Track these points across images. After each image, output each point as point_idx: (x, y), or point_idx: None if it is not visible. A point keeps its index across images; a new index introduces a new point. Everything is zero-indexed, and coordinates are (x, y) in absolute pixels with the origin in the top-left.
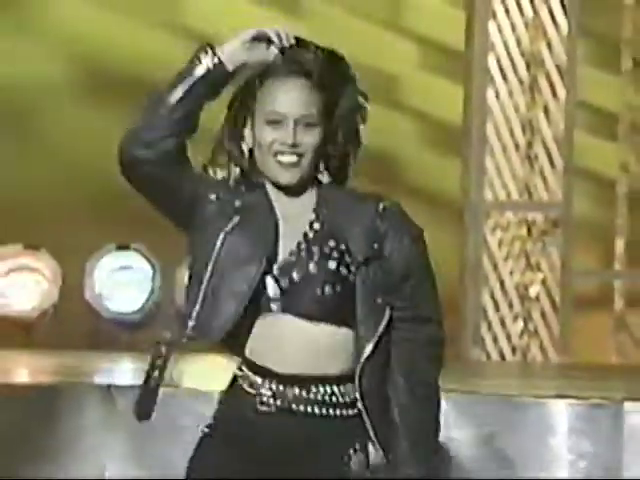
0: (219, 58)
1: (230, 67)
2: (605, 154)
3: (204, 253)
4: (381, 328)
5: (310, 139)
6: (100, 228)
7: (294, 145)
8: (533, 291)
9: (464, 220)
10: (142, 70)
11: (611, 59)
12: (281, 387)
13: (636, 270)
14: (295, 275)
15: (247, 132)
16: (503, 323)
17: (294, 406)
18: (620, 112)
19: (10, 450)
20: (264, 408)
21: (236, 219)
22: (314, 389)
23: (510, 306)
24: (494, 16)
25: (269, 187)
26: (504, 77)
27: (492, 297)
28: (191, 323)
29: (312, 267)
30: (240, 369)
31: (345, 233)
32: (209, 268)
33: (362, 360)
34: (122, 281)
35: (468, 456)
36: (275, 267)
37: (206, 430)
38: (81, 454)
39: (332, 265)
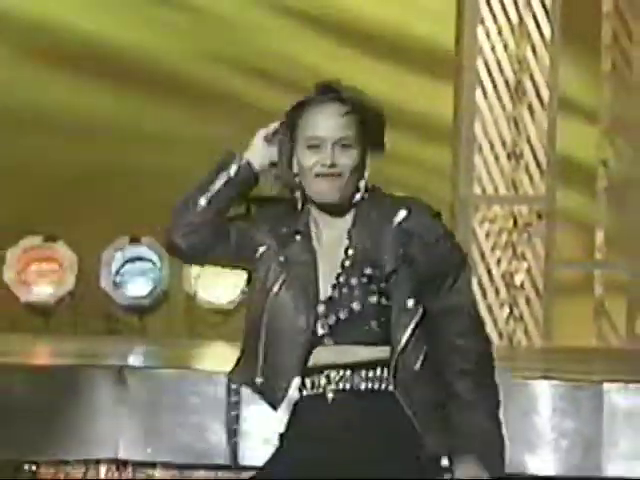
0: (247, 161)
1: (257, 167)
2: (586, 151)
3: (256, 310)
4: (413, 324)
5: (347, 160)
6: (114, 222)
7: (333, 165)
8: (518, 279)
9: (454, 213)
10: None
11: (591, 62)
12: (340, 373)
13: (615, 260)
14: (341, 315)
15: (294, 160)
16: (490, 309)
17: (362, 387)
18: (600, 112)
19: (30, 426)
20: (331, 395)
21: (281, 278)
22: (371, 371)
23: (497, 293)
24: (482, 22)
25: (314, 212)
26: (491, 79)
27: (480, 285)
28: (259, 380)
29: (355, 305)
30: (299, 391)
31: (376, 251)
32: (263, 330)
33: (397, 351)
34: (134, 270)
35: None
36: (321, 308)
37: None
38: (95, 431)
39: (374, 299)
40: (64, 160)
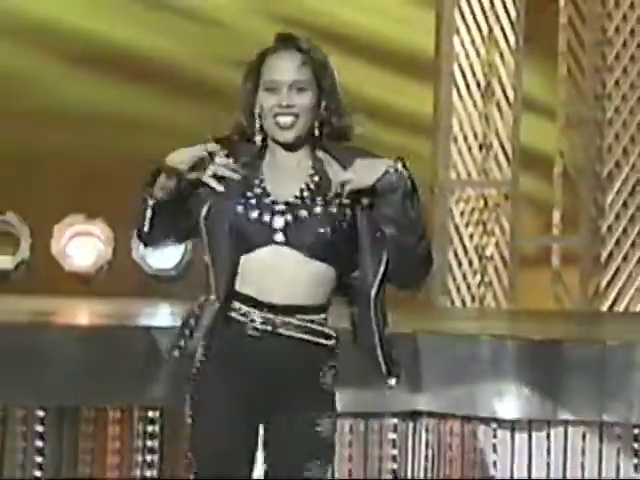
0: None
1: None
2: (546, 143)
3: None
4: (382, 268)
5: (302, 101)
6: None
7: (289, 106)
8: (488, 251)
9: (436, 189)
10: None
11: (550, 67)
12: (271, 315)
13: (569, 235)
14: (301, 213)
15: (257, 102)
16: (464, 277)
17: (281, 330)
18: (557, 110)
19: (72, 382)
20: (254, 333)
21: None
22: (298, 316)
23: (470, 263)
24: (457, 32)
25: (271, 145)
26: (465, 81)
27: (456, 256)
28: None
29: (318, 209)
30: (228, 303)
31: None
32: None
33: (374, 288)
34: None
35: (433, 382)
36: (280, 206)
37: (202, 358)
38: (128, 384)
39: (334, 209)
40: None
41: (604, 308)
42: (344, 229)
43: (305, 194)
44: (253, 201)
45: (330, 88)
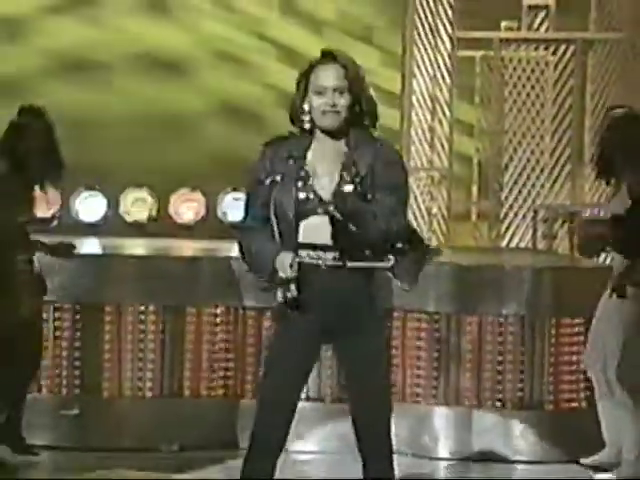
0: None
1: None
2: (468, 145)
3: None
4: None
5: (342, 101)
6: (222, 181)
7: (334, 105)
8: (434, 211)
9: None
10: None
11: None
12: (332, 253)
13: (482, 201)
14: (337, 189)
15: (307, 103)
16: (419, 227)
17: (348, 264)
18: (474, 125)
19: (179, 289)
20: (325, 268)
21: (278, 177)
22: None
23: (423, 218)
24: (414, 76)
25: (318, 134)
26: (422, 99)
27: (414, 216)
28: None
29: (347, 187)
30: (296, 252)
31: (361, 162)
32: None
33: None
34: (235, 204)
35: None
36: (320, 186)
37: (281, 300)
38: (215, 291)
39: (349, 188)
40: None
41: (503, 245)
42: (364, 197)
43: (340, 174)
44: (300, 184)
45: (362, 91)
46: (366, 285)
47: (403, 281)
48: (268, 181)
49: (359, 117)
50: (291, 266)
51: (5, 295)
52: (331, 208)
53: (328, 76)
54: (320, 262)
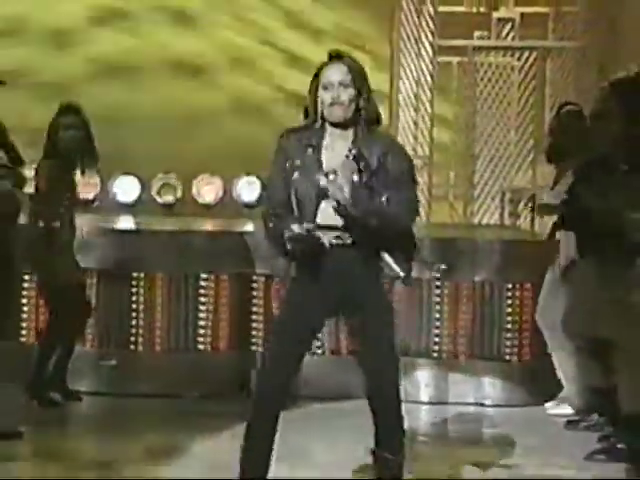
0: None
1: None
2: (447, 135)
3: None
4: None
5: (347, 95)
6: (237, 167)
7: (339, 97)
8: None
9: None
10: None
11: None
12: (339, 232)
13: (457, 185)
14: (351, 178)
15: (318, 98)
16: None
17: (349, 242)
18: (452, 121)
19: (195, 261)
20: (332, 245)
21: (298, 162)
22: (345, 232)
23: None
24: (401, 78)
25: (327, 128)
26: (407, 107)
27: None
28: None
29: (355, 177)
30: (311, 230)
31: (371, 156)
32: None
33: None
34: (248, 187)
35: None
36: (331, 174)
37: (298, 266)
38: (230, 260)
39: (356, 178)
40: None
41: (475, 222)
42: (367, 186)
43: (343, 164)
44: (319, 170)
45: (365, 88)
46: (371, 263)
47: (402, 268)
48: (288, 165)
49: (364, 112)
50: (307, 229)
51: (59, 263)
52: (335, 204)
53: (333, 72)
54: (335, 241)
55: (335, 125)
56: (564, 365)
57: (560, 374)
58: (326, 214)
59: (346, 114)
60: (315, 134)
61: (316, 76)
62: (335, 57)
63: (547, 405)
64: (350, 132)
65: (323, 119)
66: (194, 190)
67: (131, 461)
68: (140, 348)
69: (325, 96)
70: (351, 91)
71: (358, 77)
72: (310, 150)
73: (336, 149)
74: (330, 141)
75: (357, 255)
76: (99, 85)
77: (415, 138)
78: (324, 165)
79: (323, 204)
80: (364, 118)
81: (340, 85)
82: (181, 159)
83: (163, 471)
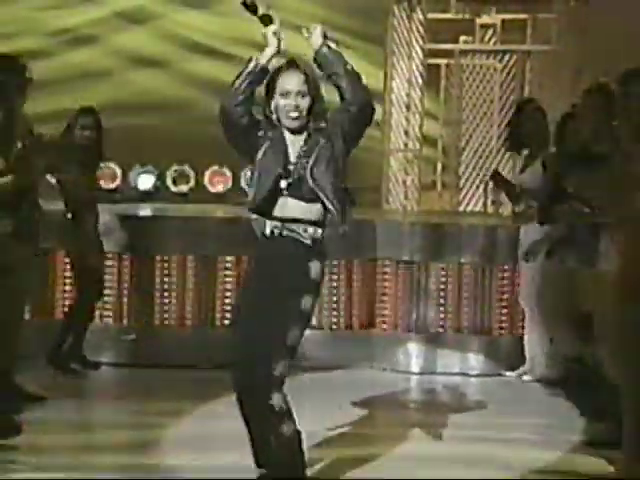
0: (258, 62)
1: (264, 63)
2: (434, 131)
3: (254, 162)
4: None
5: (304, 103)
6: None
7: (296, 106)
8: (408, 180)
9: (384, 154)
10: None
11: (437, 99)
12: (278, 223)
13: (445, 175)
14: (296, 175)
15: (273, 102)
16: (397, 194)
17: (285, 233)
18: (440, 117)
19: (213, 243)
20: (268, 235)
21: (267, 144)
22: (295, 226)
23: (399, 188)
24: (393, 78)
25: (284, 130)
26: (399, 106)
27: (393, 187)
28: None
29: (306, 173)
30: (273, 225)
31: (314, 148)
32: (257, 171)
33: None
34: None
35: (386, 244)
36: (290, 165)
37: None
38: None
39: (313, 172)
40: None
41: (461, 209)
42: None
43: (298, 159)
44: (281, 164)
45: (319, 95)
46: (301, 251)
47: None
48: (260, 134)
49: (317, 116)
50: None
51: (85, 246)
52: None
53: (291, 81)
54: (285, 233)
55: (290, 130)
56: (533, 342)
57: (527, 349)
58: (287, 207)
59: (302, 122)
60: (280, 132)
61: (273, 79)
62: (293, 63)
63: (508, 374)
64: (302, 136)
65: (278, 121)
66: (206, 180)
67: (144, 424)
68: (156, 323)
69: (282, 103)
70: (308, 99)
71: (314, 85)
72: (274, 145)
73: (291, 149)
74: (288, 142)
75: (293, 250)
76: (125, 77)
77: (406, 133)
78: (287, 162)
79: (281, 199)
80: (316, 123)
81: (298, 94)
82: (194, 151)
83: (170, 433)
